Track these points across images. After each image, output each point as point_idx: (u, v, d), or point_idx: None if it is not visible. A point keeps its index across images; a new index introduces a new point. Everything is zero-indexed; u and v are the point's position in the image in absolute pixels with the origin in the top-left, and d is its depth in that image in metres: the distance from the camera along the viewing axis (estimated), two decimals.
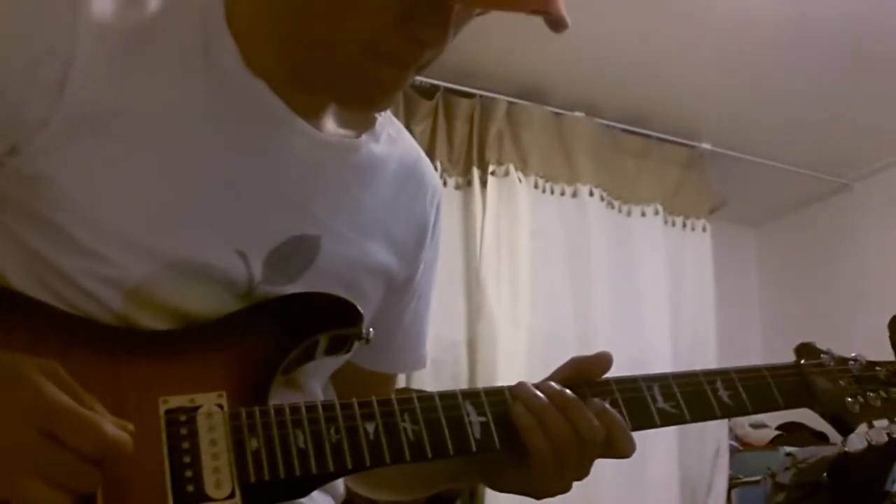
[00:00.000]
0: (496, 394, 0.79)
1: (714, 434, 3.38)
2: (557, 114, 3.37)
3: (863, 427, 0.91)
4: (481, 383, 2.89)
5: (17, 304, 0.71)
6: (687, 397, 0.84)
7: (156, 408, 0.69)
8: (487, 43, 2.69)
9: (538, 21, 0.69)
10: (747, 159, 3.66)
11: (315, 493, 0.76)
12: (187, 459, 0.67)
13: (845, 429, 0.91)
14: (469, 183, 3.22)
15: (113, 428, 0.61)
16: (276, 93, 0.78)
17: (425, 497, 1.05)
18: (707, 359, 3.38)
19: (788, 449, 3.18)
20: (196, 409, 0.69)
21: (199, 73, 0.76)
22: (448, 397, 0.77)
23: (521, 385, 0.80)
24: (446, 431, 0.75)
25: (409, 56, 0.72)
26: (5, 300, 0.71)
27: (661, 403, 0.83)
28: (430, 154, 2.80)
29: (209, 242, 0.76)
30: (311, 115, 0.81)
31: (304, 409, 0.72)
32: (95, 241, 0.72)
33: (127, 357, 0.71)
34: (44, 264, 0.72)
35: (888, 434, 0.90)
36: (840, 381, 0.92)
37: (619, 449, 0.79)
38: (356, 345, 0.82)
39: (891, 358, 0.96)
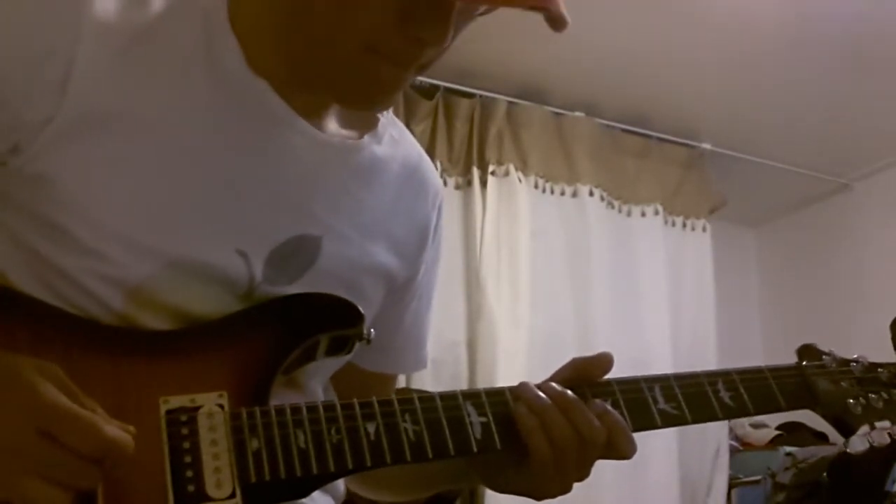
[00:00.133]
0: (497, 394, 0.79)
1: (714, 434, 3.38)
2: (557, 114, 3.37)
3: (864, 428, 0.90)
4: (481, 383, 2.90)
5: (18, 303, 0.71)
6: (688, 398, 0.84)
7: (156, 408, 0.69)
8: (487, 43, 2.68)
9: (538, 21, 0.69)
10: (747, 159, 3.66)
11: (316, 494, 0.76)
12: (188, 459, 0.67)
13: (847, 430, 0.91)
14: (469, 183, 3.22)
15: (112, 428, 0.61)
16: (277, 93, 0.78)
17: (425, 497, 1.05)
18: (707, 359, 3.38)
19: (788, 449, 3.19)
20: (197, 409, 0.69)
21: (201, 72, 0.75)
22: (449, 398, 0.77)
23: (523, 386, 0.80)
24: (447, 432, 0.75)
25: (409, 55, 0.72)
26: (6, 300, 0.71)
27: (662, 404, 0.83)
28: (430, 154, 2.77)
29: (210, 242, 0.76)
30: (313, 115, 0.81)
31: (304, 410, 0.72)
32: (96, 240, 0.72)
33: (128, 357, 0.71)
34: (45, 264, 0.72)
35: (890, 435, 0.90)
36: (842, 383, 0.92)
37: (620, 450, 0.79)
38: (357, 345, 0.82)
39: (892, 359, 0.96)
